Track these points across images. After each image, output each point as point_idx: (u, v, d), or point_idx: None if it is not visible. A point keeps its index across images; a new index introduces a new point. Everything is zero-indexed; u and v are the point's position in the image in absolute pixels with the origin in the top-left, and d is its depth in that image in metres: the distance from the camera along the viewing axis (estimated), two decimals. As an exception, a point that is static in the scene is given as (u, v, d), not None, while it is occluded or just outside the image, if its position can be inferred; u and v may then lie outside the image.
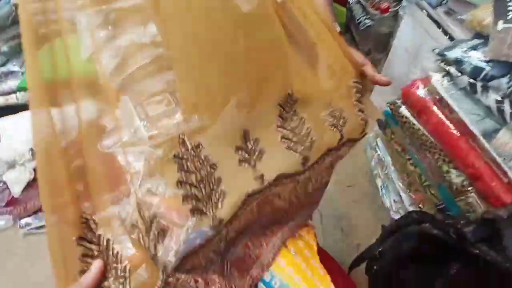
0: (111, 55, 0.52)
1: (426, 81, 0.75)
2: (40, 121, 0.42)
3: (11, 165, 1.30)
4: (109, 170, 0.45)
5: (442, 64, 0.68)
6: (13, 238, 1.30)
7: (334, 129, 0.50)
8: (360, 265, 0.96)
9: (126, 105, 0.51)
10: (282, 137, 0.46)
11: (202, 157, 0.45)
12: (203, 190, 0.42)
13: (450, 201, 0.80)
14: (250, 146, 0.45)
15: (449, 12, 1.01)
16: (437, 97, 0.72)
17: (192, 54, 0.49)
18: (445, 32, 0.99)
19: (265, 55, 0.46)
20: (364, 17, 1.42)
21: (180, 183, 0.43)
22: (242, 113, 0.46)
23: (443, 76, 0.70)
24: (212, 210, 0.41)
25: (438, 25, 1.03)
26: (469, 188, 0.72)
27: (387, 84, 0.52)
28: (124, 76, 0.52)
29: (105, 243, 0.40)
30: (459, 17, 0.65)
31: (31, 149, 1.30)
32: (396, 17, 1.34)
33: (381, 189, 1.20)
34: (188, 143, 0.47)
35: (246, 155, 0.45)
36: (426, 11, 1.08)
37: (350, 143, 0.53)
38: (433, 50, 0.69)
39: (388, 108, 0.89)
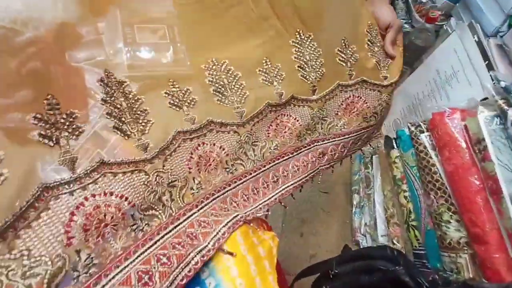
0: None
1: (468, 114, 0.63)
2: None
3: None
4: (69, 86, 0.39)
5: (500, 102, 0.56)
6: None
7: (345, 64, 0.61)
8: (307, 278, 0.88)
9: (114, 20, 0.44)
10: (298, 66, 0.57)
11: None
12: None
13: (433, 252, 0.72)
14: (271, 67, 0.55)
15: (502, 47, 0.89)
16: (475, 137, 0.60)
17: None
18: (490, 67, 0.88)
19: None
20: (405, 21, 1.26)
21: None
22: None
23: (495, 116, 0.57)
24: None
25: (485, 57, 0.91)
26: (465, 248, 0.63)
27: (391, 56, 0.64)
28: None
29: None
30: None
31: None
32: (438, 32, 1.19)
33: (356, 207, 1.11)
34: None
35: (268, 76, 0.55)
36: (478, 37, 0.95)
37: (365, 84, 0.63)
38: (499, 81, 0.56)
39: (406, 128, 0.77)
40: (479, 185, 0.60)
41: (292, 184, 0.57)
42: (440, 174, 0.67)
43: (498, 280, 0.57)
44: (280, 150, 0.58)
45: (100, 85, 0.41)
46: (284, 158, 0.58)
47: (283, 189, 0.56)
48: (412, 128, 0.74)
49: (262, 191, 0.54)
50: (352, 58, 0.61)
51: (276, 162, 0.57)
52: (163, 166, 0.44)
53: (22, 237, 0.33)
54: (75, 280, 0.34)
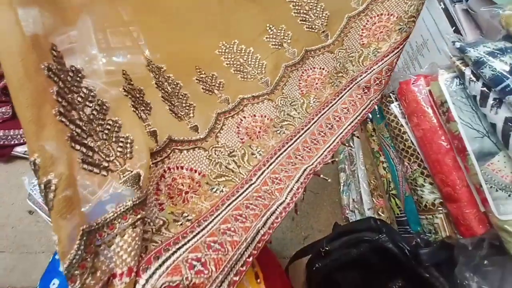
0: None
1: (431, 79, 0.64)
2: None
3: None
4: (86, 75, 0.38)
5: (458, 62, 0.57)
6: None
7: None
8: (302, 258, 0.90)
9: (85, 27, 0.44)
10: (301, 20, 0.59)
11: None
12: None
13: (413, 216, 0.74)
14: (277, 31, 0.57)
15: (468, 11, 0.90)
16: (439, 100, 0.61)
17: None
18: (457, 32, 0.89)
19: None
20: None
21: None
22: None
23: (454, 78, 0.59)
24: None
25: (452, 22, 0.91)
26: (440, 209, 0.65)
27: None
28: None
29: None
30: (495, 10, 0.52)
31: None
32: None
33: (343, 185, 1.12)
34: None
35: (276, 40, 0.57)
36: (444, 3, 0.96)
37: (375, 2, 0.61)
38: (454, 42, 0.57)
39: (377, 100, 0.78)
40: (446, 146, 0.62)
41: (349, 125, 0.59)
42: (411, 140, 0.69)
43: (471, 234, 0.59)
44: (321, 101, 0.60)
45: (148, 70, 0.45)
46: (329, 107, 0.60)
47: (341, 132, 0.59)
48: (382, 99, 0.76)
49: (322, 139, 0.57)
50: None
51: (322, 112, 0.59)
52: (217, 142, 0.50)
53: None
54: (180, 225, 0.39)
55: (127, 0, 0.48)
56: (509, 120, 0.50)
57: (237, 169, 0.49)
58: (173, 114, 0.47)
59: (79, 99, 0.35)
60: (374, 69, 0.62)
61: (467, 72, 0.56)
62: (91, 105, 0.36)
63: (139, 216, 0.33)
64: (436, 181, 0.64)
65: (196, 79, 0.52)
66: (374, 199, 0.91)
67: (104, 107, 0.37)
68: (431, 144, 0.64)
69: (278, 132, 0.55)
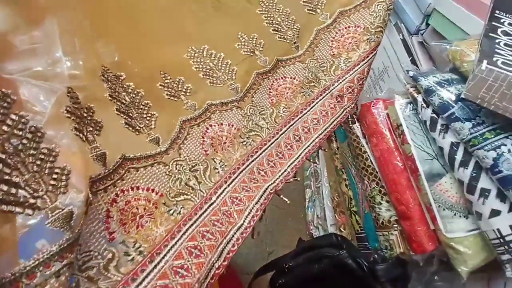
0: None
1: (389, 103, 0.69)
2: None
3: None
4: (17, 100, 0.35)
5: (411, 89, 0.62)
6: None
7: (315, 12, 0.63)
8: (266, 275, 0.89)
9: (51, 29, 0.42)
10: (273, 30, 0.60)
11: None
12: None
13: (371, 233, 0.77)
14: (248, 39, 0.59)
15: (423, 44, 0.99)
16: (395, 123, 0.65)
17: None
18: (414, 62, 0.97)
19: None
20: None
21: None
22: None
23: (408, 103, 0.64)
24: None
25: (409, 53, 1.00)
26: (395, 226, 0.68)
27: None
28: None
29: None
30: (443, 45, 0.58)
31: None
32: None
33: (308, 201, 1.15)
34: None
35: (248, 47, 0.58)
36: (402, 35, 1.04)
37: (345, 14, 0.64)
38: (407, 71, 0.62)
39: (341, 120, 0.82)
40: (401, 166, 0.66)
41: (317, 137, 0.58)
42: (370, 160, 0.73)
43: (422, 251, 0.62)
44: (290, 111, 0.59)
45: (102, 80, 0.43)
46: (299, 117, 0.59)
47: (308, 145, 0.57)
48: (345, 120, 0.79)
49: (287, 153, 0.55)
50: (320, 3, 0.64)
51: (292, 122, 0.58)
52: (179, 154, 0.46)
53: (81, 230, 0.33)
54: (131, 261, 0.37)
55: (91, 4, 0.47)
56: (454, 145, 0.55)
57: (197, 186, 0.46)
58: (130, 128, 0.44)
59: (5, 127, 0.31)
60: (346, 78, 0.63)
61: (419, 99, 0.61)
62: (20, 133, 0.32)
63: (65, 262, 0.30)
64: (392, 199, 0.68)
65: (160, 85, 0.50)
66: (336, 216, 0.94)
67: (39, 134, 0.34)
68: (387, 164, 0.68)
69: (245, 143, 0.54)
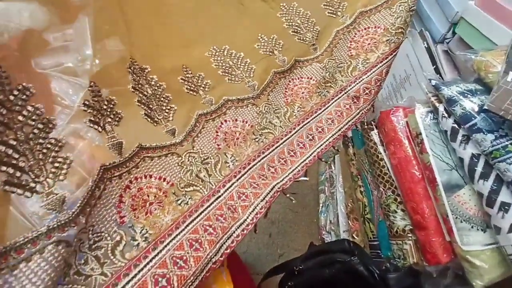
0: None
1: (409, 111, 0.68)
2: None
3: None
4: (36, 93, 0.37)
5: (433, 98, 0.61)
6: None
7: (335, 16, 0.64)
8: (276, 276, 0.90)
9: (83, 27, 0.44)
10: (293, 31, 0.61)
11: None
12: None
13: (385, 241, 0.76)
14: (268, 40, 0.60)
15: (448, 52, 0.97)
16: (414, 132, 0.65)
17: None
18: (437, 71, 0.95)
19: None
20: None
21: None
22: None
23: (429, 112, 0.63)
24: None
25: (433, 61, 0.98)
26: (409, 235, 0.67)
27: None
28: None
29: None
30: (468, 55, 0.57)
31: None
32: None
33: (322, 206, 1.15)
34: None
35: (267, 48, 0.59)
36: (427, 43, 1.03)
37: (365, 14, 0.64)
38: (430, 80, 0.61)
39: (359, 126, 0.82)
40: (419, 175, 0.65)
41: (331, 137, 0.58)
42: (387, 167, 0.72)
43: (437, 262, 0.61)
44: (305, 110, 0.59)
45: (128, 72, 0.45)
46: (313, 116, 0.59)
47: (321, 144, 0.57)
48: (363, 126, 0.79)
49: (299, 151, 0.56)
50: (341, 7, 0.64)
51: (306, 121, 0.58)
52: (193, 147, 0.48)
53: (91, 213, 0.37)
54: (136, 247, 0.39)
55: (122, 5, 0.49)
56: (475, 156, 0.54)
57: (207, 178, 0.48)
58: (149, 119, 0.46)
59: (20, 117, 0.34)
60: (363, 79, 0.63)
61: (441, 108, 0.60)
62: (32, 123, 0.35)
63: (51, 241, 0.32)
64: (407, 208, 0.67)
65: (181, 79, 0.52)
66: (350, 222, 0.93)
67: (50, 125, 0.36)
68: (405, 173, 0.67)
69: (257, 140, 0.55)
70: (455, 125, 0.57)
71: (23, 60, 0.37)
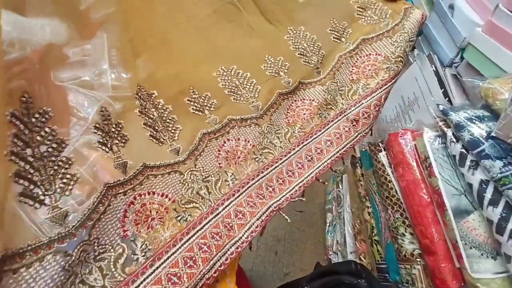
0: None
1: (417, 134, 0.69)
2: None
3: None
4: (53, 105, 0.40)
5: (441, 123, 0.62)
6: None
7: (339, 41, 0.66)
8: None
9: (100, 43, 0.47)
10: (299, 54, 0.63)
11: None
12: None
13: (393, 265, 0.75)
14: (274, 61, 0.63)
15: (457, 76, 0.98)
16: (422, 155, 0.65)
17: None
18: (446, 94, 0.96)
19: None
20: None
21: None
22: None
23: (437, 136, 0.64)
24: None
25: (442, 85, 0.99)
26: (418, 260, 0.67)
27: None
28: (110, 11, 0.48)
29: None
30: (476, 82, 0.59)
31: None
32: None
33: (329, 225, 1.14)
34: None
35: (273, 69, 0.62)
36: (435, 67, 1.04)
37: (367, 41, 0.67)
38: (438, 105, 0.62)
39: (367, 148, 0.83)
40: (427, 199, 0.65)
41: (329, 158, 0.59)
42: (395, 189, 0.72)
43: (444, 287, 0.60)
44: (305, 131, 0.61)
45: (135, 98, 0.48)
46: (312, 138, 0.60)
47: (320, 165, 0.58)
48: (372, 148, 0.80)
49: (298, 172, 0.57)
50: (345, 33, 0.66)
51: (305, 143, 0.60)
52: (195, 165, 0.50)
53: (95, 227, 0.39)
54: (136, 262, 0.41)
55: (136, 24, 0.52)
56: (484, 182, 0.54)
57: (207, 196, 0.49)
58: (154, 140, 0.48)
59: (38, 137, 0.38)
60: (362, 103, 0.64)
61: (449, 133, 0.61)
62: (48, 142, 0.38)
63: (50, 251, 0.35)
64: (416, 232, 0.67)
65: (188, 100, 0.54)
66: (357, 243, 0.92)
67: (63, 145, 0.39)
68: (413, 196, 0.67)
69: (257, 159, 0.56)
70: (464, 151, 0.58)
71: (42, 72, 0.40)
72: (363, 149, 0.86)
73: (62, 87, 0.42)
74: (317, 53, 0.64)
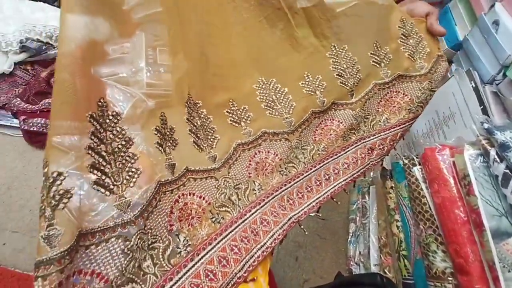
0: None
1: (456, 151, 0.68)
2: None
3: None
4: (91, 98, 0.42)
5: (484, 142, 0.61)
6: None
7: (378, 65, 0.66)
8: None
9: (139, 42, 0.49)
10: (337, 75, 0.64)
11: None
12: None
13: (421, 281, 0.74)
14: (312, 79, 0.63)
15: (497, 94, 0.96)
16: (461, 173, 0.64)
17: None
18: (484, 112, 0.93)
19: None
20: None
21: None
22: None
23: (479, 155, 0.62)
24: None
25: (481, 102, 0.97)
26: (450, 279, 0.65)
27: (441, 34, 0.65)
28: (149, 12, 0.50)
29: None
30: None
31: (21, 41, 1.16)
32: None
33: (352, 235, 1.13)
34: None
35: (311, 87, 0.63)
36: (475, 83, 1.02)
37: (401, 79, 0.67)
38: (482, 123, 0.61)
39: (401, 161, 0.82)
40: (464, 217, 0.64)
41: (344, 180, 0.61)
42: (429, 205, 0.71)
43: (479, 312, 0.59)
44: (328, 151, 0.63)
45: (185, 106, 0.51)
46: (333, 158, 0.62)
47: (335, 185, 0.61)
48: (406, 161, 0.79)
49: (315, 188, 0.59)
50: (386, 58, 0.66)
51: (326, 162, 0.62)
52: (229, 172, 0.54)
53: (149, 218, 0.43)
54: (179, 254, 0.45)
55: (177, 29, 0.53)
56: (529, 205, 0.53)
57: (237, 202, 0.52)
58: (196, 146, 0.51)
59: (111, 135, 0.42)
60: (381, 135, 0.66)
61: (492, 152, 0.60)
62: (118, 140, 0.42)
63: (115, 234, 0.39)
64: (449, 250, 0.65)
65: (227, 111, 0.56)
66: (382, 256, 0.91)
67: (131, 142, 0.43)
68: (448, 213, 0.66)
69: (282, 173, 0.58)
70: (508, 171, 0.56)
71: (84, 67, 0.42)
72: (396, 161, 0.85)
73: (102, 82, 0.45)
74: (354, 76, 0.65)
